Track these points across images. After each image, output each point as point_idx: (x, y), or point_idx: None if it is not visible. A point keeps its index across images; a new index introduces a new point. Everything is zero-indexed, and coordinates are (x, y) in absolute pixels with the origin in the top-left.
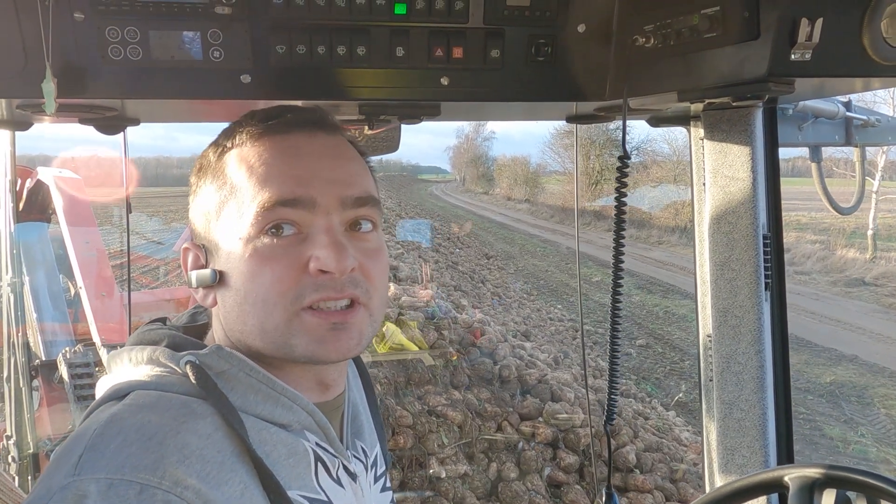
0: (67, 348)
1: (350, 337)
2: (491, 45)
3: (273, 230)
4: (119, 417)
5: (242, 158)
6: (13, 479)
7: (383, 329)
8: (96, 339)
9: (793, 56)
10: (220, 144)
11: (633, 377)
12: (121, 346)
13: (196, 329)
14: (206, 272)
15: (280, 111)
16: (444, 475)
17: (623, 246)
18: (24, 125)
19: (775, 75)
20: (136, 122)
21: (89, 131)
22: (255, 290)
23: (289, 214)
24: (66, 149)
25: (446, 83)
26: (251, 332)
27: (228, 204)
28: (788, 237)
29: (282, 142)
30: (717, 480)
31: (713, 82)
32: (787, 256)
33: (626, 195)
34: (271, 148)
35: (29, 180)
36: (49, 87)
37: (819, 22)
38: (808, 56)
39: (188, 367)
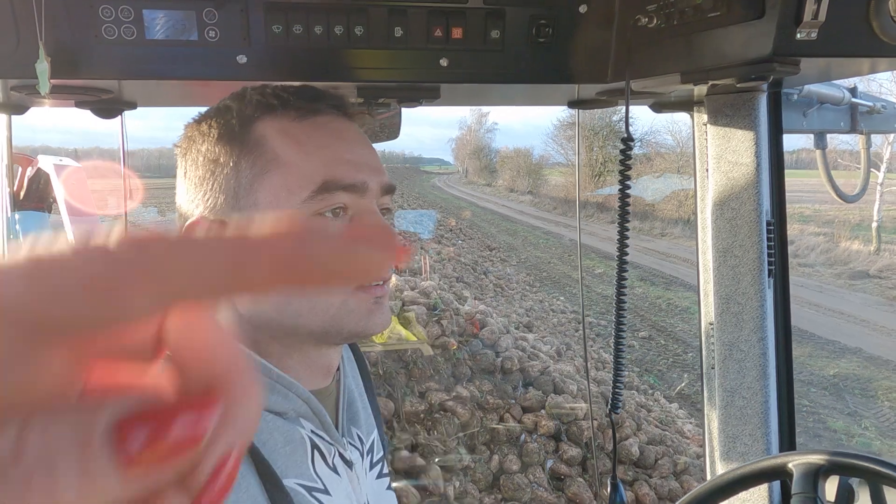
0: None
1: (386, 310)
2: (491, 26)
3: (331, 212)
4: None
5: (288, 134)
6: None
7: None
8: None
9: (798, 35)
10: (242, 112)
11: (636, 369)
12: None
13: None
14: None
15: (317, 94)
16: (445, 466)
17: (627, 230)
18: (20, 109)
19: (780, 55)
20: (132, 105)
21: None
22: None
23: (344, 198)
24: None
25: (445, 64)
26: (295, 311)
27: (269, 177)
28: (792, 229)
29: (327, 125)
30: (719, 468)
31: (717, 63)
32: (790, 248)
33: (629, 178)
34: (320, 129)
35: (30, 168)
36: (43, 66)
37: (825, 0)
38: (814, 35)
39: None
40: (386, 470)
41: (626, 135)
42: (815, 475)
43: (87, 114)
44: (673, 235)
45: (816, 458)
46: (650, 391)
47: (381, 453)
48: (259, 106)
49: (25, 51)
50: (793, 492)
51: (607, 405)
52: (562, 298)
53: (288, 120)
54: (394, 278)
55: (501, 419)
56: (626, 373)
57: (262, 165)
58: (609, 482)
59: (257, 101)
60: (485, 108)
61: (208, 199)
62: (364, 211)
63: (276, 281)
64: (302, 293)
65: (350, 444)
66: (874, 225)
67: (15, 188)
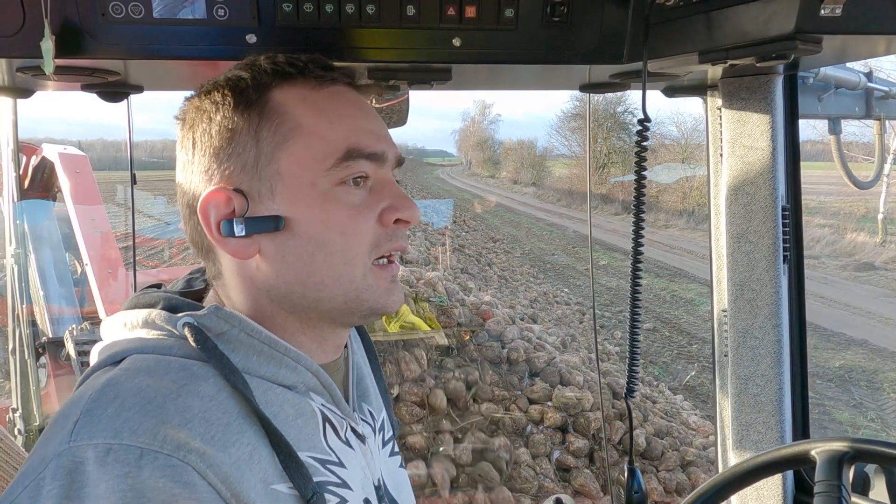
0: (74, 325)
1: (400, 289)
2: (505, 4)
3: (353, 181)
4: (115, 382)
5: (309, 102)
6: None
7: None
8: (103, 316)
9: (822, 11)
10: (257, 79)
11: (641, 361)
12: None
13: (193, 294)
14: (267, 218)
15: (327, 63)
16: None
17: (643, 216)
18: (26, 92)
19: (803, 32)
20: (139, 88)
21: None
22: (336, 239)
23: (366, 167)
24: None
25: (458, 44)
26: (320, 282)
27: (291, 145)
28: None
29: (346, 94)
30: (731, 457)
31: (737, 41)
32: None
33: (646, 160)
34: (340, 99)
35: (34, 157)
36: (48, 45)
37: None
38: (838, 11)
39: (186, 328)
40: (397, 449)
41: (643, 116)
42: (840, 462)
43: (91, 105)
44: (677, 227)
45: (840, 446)
46: (655, 382)
47: (392, 433)
48: (275, 74)
49: (31, 30)
50: (816, 479)
51: (614, 395)
52: (566, 290)
53: (307, 88)
54: (401, 269)
55: (507, 410)
56: (640, 360)
57: (284, 133)
58: (626, 467)
59: (272, 69)
60: (488, 100)
61: (225, 170)
62: (382, 180)
63: None
64: (326, 264)
65: (361, 419)
66: (880, 216)
67: (20, 176)
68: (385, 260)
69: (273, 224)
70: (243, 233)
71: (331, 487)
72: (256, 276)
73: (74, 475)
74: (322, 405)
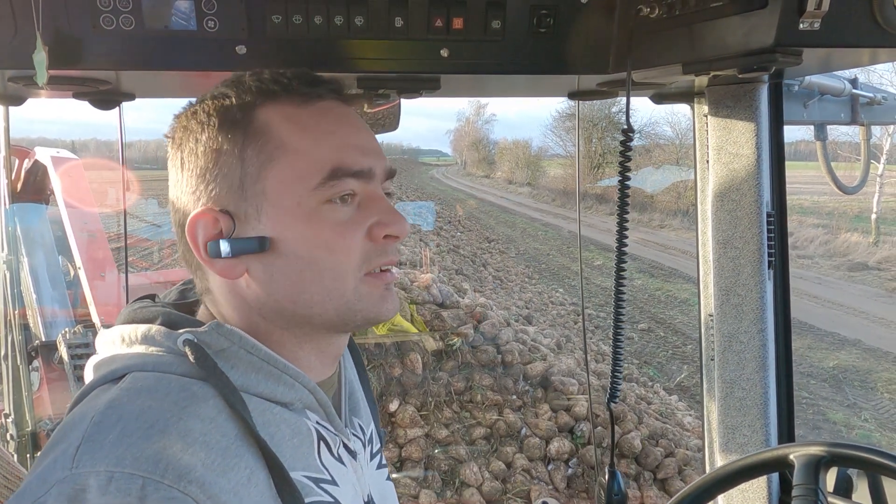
0: (67, 329)
1: (395, 296)
2: (492, 16)
3: (340, 199)
4: (117, 403)
5: (293, 121)
6: (12, 456)
7: None
8: (96, 319)
9: (801, 25)
10: (242, 99)
11: (636, 361)
12: None
13: (186, 306)
14: (251, 240)
15: (313, 78)
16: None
17: (627, 221)
18: (18, 100)
19: (783, 45)
20: (131, 96)
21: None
22: (324, 257)
23: (353, 185)
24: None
25: (446, 55)
26: (310, 300)
27: (276, 165)
28: (791, 221)
29: (332, 110)
30: (718, 459)
31: (719, 53)
32: (790, 240)
33: (629, 170)
34: (325, 114)
35: (27, 161)
36: (40, 56)
37: None
38: (816, 25)
39: (186, 346)
40: (384, 461)
41: (626, 126)
42: (816, 466)
43: (84, 105)
44: (672, 227)
45: (817, 450)
46: (650, 383)
47: (379, 444)
48: (259, 92)
49: (23, 41)
50: (794, 483)
51: (606, 394)
52: (561, 290)
53: (292, 106)
54: (394, 270)
55: (501, 413)
56: (625, 364)
57: (269, 153)
58: (608, 470)
59: (257, 87)
60: (483, 100)
61: (212, 190)
62: (371, 196)
63: None
64: (315, 281)
65: (353, 434)
66: (873, 216)
67: (12, 180)
68: (378, 269)
69: (259, 245)
70: (230, 254)
71: None
72: (247, 294)
73: (75, 503)
74: (317, 423)
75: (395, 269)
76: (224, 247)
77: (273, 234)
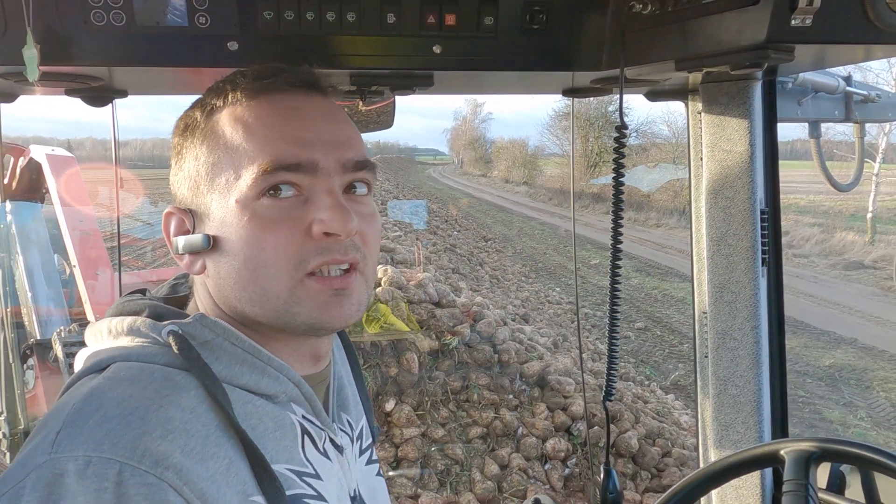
0: (62, 327)
1: (351, 303)
2: (484, 12)
3: (272, 192)
4: (99, 391)
5: (237, 118)
6: (4, 454)
7: (372, 309)
8: (91, 317)
9: (793, 21)
10: (208, 104)
11: (632, 360)
12: None
13: (177, 300)
14: (197, 237)
15: (274, 70)
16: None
17: (622, 220)
18: (10, 97)
19: (774, 41)
20: (123, 93)
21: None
22: (257, 255)
23: (290, 177)
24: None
25: (439, 51)
26: (250, 299)
27: (222, 166)
28: (787, 219)
29: (280, 102)
30: (712, 456)
31: (711, 50)
32: (785, 239)
33: (624, 167)
34: (269, 108)
35: (22, 159)
36: (31, 52)
37: None
38: (808, 21)
39: (170, 337)
40: (375, 457)
41: (620, 123)
42: (807, 462)
43: (78, 103)
44: (668, 226)
45: (808, 445)
46: (646, 382)
47: (371, 440)
48: (219, 94)
49: (13, 37)
50: (784, 478)
51: (602, 392)
52: (557, 289)
53: (240, 105)
54: (390, 270)
55: (498, 412)
56: (620, 362)
57: (217, 155)
58: (602, 469)
59: (219, 89)
60: (480, 99)
61: (176, 191)
62: (320, 191)
63: None
64: (252, 279)
65: (340, 429)
66: (869, 215)
67: (7, 179)
68: (327, 272)
69: (205, 242)
70: (180, 251)
71: (306, 500)
72: (212, 290)
73: (53, 487)
74: (302, 416)
75: (390, 268)
76: (179, 243)
77: (217, 232)
